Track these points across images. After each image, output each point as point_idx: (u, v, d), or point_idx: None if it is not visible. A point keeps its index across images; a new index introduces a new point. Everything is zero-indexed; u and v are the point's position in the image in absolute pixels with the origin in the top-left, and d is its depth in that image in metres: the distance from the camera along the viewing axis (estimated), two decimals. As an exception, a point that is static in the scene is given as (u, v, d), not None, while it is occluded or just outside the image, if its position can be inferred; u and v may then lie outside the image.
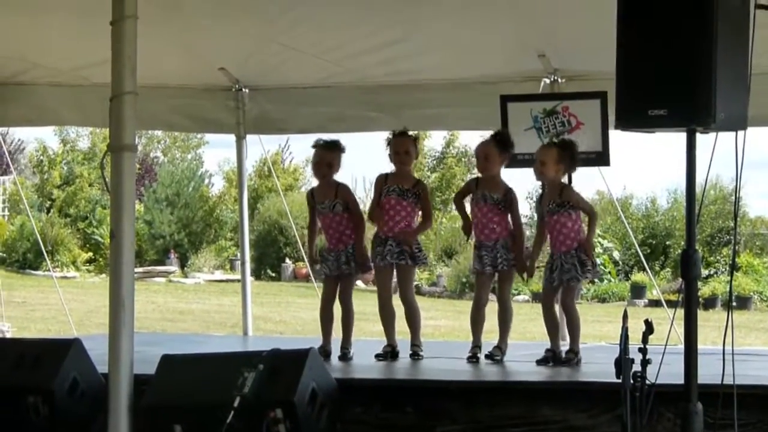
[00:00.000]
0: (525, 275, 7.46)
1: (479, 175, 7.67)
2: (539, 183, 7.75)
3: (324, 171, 7.63)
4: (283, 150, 32.87)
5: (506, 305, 7.47)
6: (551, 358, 7.16)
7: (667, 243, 27.34)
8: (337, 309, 7.67)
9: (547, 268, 7.27)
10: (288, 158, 33.18)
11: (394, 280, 7.69)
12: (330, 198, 7.60)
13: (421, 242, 7.71)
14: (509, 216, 7.45)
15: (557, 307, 7.49)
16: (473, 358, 7.32)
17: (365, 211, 8.04)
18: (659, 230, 27.76)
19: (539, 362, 7.16)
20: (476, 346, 7.40)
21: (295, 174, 33.18)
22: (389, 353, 7.47)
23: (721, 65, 4.74)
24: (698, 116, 4.81)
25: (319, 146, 7.69)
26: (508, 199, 7.42)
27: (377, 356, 7.44)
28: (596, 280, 24.87)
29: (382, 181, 7.63)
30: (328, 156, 7.63)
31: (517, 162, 8.20)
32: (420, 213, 7.65)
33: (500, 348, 7.36)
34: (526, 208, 27.10)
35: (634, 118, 4.98)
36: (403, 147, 7.57)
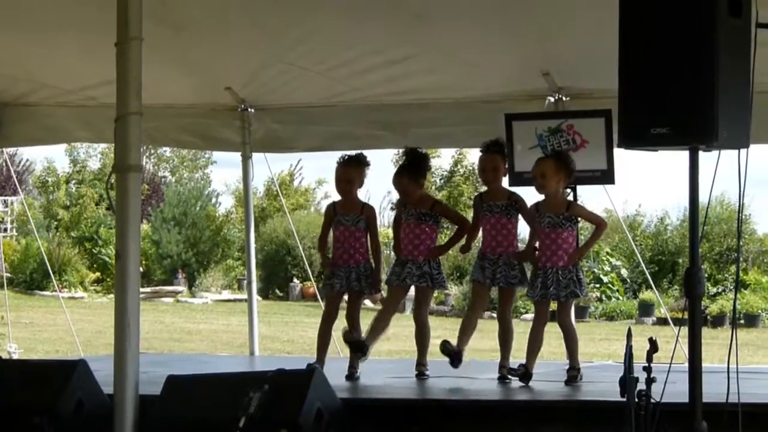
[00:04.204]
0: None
1: (481, 191, 7.71)
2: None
3: (343, 186, 7.60)
4: (295, 169, 32.95)
5: (506, 325, 7.47)
6: (524, 375, 7.07)
7: (677, 260, 27.27)
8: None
9: (538, 281, 7.19)
10: (299, 178, 33.25)
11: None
12: (355, 213, 7.58)
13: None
14: (518, 225, 7.44)
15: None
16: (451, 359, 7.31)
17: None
18: (668, 248, 27.70)
19: (512, 372, 7.13)
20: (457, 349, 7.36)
21: (306, 195, 33.20)
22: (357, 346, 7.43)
23: (723, 84, 4.75)
24: (701, 134, 4.82)
25: (339, 163, 7.66)
26: (513, 203, 7.41)
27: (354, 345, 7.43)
28: (604, 297, 24.86)
29: (400, 206, 7.69)
30: (347, 173, 7.60)
31: (522, 180, 8.20)
32: (437, 235, 7.66)
33: (504, 367, 7.36)
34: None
35: (637, 136, 4.99)
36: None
